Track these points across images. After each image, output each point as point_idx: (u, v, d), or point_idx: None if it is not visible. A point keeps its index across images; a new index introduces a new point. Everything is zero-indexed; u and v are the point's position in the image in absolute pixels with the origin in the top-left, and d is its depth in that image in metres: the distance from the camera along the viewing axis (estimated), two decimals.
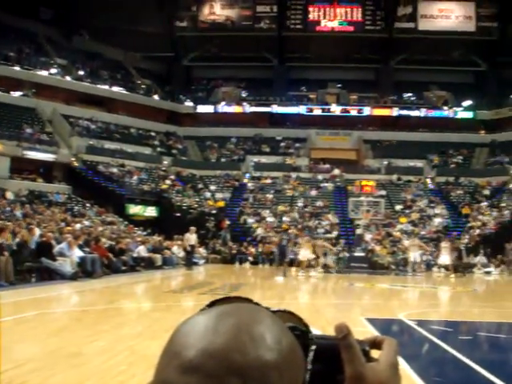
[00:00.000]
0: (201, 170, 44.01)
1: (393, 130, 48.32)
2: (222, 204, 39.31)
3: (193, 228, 26.45)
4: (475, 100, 50.43)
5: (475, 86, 52.37)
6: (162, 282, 21.61)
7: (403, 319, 10.77)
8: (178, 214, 36.56)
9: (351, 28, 52.29)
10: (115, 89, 46.89)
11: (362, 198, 37.08)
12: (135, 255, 24.54)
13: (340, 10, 52.40)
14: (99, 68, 47.91)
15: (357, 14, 52.30)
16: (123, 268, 22.09)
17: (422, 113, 50.27)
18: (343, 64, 51.20)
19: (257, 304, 0.73)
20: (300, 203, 39.65)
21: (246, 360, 0.61)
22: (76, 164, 38.23)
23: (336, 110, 50.87)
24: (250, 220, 37.28)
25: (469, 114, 49.96)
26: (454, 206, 39.36)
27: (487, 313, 13.24)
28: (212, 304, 0.73)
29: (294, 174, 43.53)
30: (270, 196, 40.64)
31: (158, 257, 26.41)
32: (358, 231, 34.81)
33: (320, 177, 43.60)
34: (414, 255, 28.09)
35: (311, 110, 50.94)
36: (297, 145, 47.81)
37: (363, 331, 8.33)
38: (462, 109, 50.32)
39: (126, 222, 33.66)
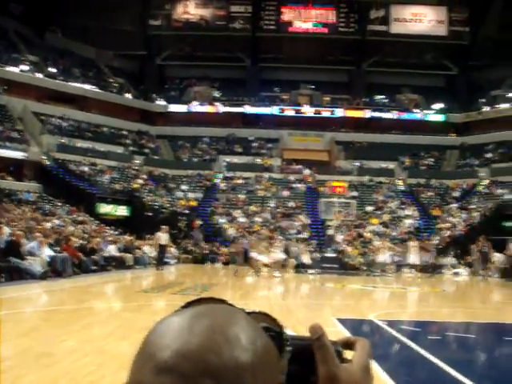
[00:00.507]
0: (173, 170, 43.87)
1: (365, 131, 48.72)
2: (193, 204, 39.23)
3: (164, 227, 26.01)
4: (446, 103, 51.08)
5: (446, 90, 53.01)
6: (133, 281, 21.47)
7: (373, 319, 10.84)
8: (150, 214, 36.38)
9: (325, 30, 52.54)
10: (87, 87, 46.47)
11: (334, 199, 37.33)
12: (106, 255, 24.31)
13: (314, 11, 52.64)
14: (71, 65, 47.41)
15: (331, 16, 52.58)
16: (94, 267, 21.88)
17: (393, 115, 50.72)
18: (316, 65, 51.49)
19: (231, 305, 0.72)
20: (272, 204, 39.72)
21: (220, 361, 0.61)
22: (47, 162, 37.78)
23: (308, 111, 51.06)
24: (222, 220, 37.24)
25: (440, 117, 50.57)
26: (425, 208, 39.80)
27: (456, 313, 13.42)
28: (186, 305, 0.72)
29: (266, 175, 43.60)
30: (242, 196, 40.65)
31: (129, 256, 26.23)
32: (330, 232, 35.03)
33: (292, 177, 43.73)
34: (384, 256, 28.39)
35: (284, 111, 51.07)
36: (269, 145, 47.91)
37: (334, 331, 8.38)
38: (433, 112, 50.92)
39: (97, 222, 33.36)
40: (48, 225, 25.08)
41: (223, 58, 51.41)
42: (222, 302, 0.73)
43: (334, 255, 32.06)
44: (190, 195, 40.59)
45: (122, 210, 36.84)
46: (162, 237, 25.46)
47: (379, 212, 38.95)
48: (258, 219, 37.33)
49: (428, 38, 51.45)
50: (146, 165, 43.47)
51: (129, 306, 12.50)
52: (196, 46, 51.25)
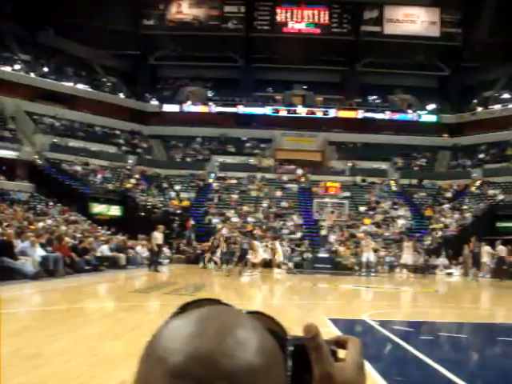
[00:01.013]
0: (166, 170, 43.80)
1: (358, 132, 48.77)
2: (186, 204, 39.19)
3: (161, 226, 25.61)
4: (439, 104, 51.22)
5: (439, 91, 53.13)
6: (126, 281, 21.42)
7: (366, 319, 10.87)
8: (143, 214, 36.34)
9: (318, 30, 52.57)
10: (80, 86, 46.38)
11: (327, 200, 37.37)
12: (98, 254, 24.27)
13: (307, 12, 52.64)
14: (64, 64, 47.26)
15: (324, 17, 52.61)
16: (86, 267, 21.83)
17: (386, 115, 50.79)
18: (309, 66, 51.51)
19: (228, 305, 0.72)
20: (265, 204, 39.73)
21: (234, 364, 0.61)
22: (39, 162, 37.66)
23: (302, 111, 51.08)
24: (215, 220, 37.21)
25: (432, 118, 50.68)
26: (417, 208, 39.90)
27: (448, 313, 13.45)
28: (184, 307, 0.72)
29: (258, 175, 43.60)
30: (234, 196, 40.65)
31: (121, 256, 26.18)
32: (323, 232, 35.07)
33: (285, 178, 43.75)
34: (367, 255, 28.29)
35: (277, 111, 51.07)
36: (262, 145, 47.91)
37: (327, 331, 8.35)
38: (425, 112, 51.01)
39: (89, 221, 33.29)
40: (40, 224, 24.99)
41: (217, 58, 51.37)
42: (218, 302, 0.74)
43: (326, 255, 32.12)
44: (183, 195, 40.57)
45: (114, 210, 36.77)
46: (159, 236, 25.14)
47: (372, 212, 39.02)
48: (250, 219, 37.33)
49: (421, 39, 51.52)
50: (139, 165, 43.36)
51: (121, 305, 12.47)
52: (189, 45, 51.13)
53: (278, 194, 41.42)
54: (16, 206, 29.57)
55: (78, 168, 38.70)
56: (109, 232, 31.71)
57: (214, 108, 50.87)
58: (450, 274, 30.26)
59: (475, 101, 49.36)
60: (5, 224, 21.19)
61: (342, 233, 35.10)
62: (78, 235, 25.82)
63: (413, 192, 42.17)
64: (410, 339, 8.84)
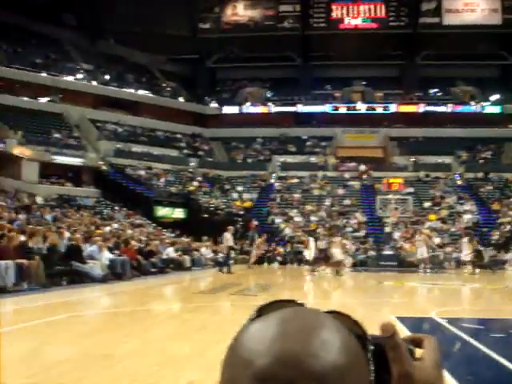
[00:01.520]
0: (227, 171, 44.09)
1: (419, 126, 47.82)
2: (249, 204, 39.34)
3: (230, 227, 25.52)
4: (502, 94, 49.78)
5: (502, 80, 51.65)
6: (191, 283, 21.69)
7: (434, 317, 10.67)
8: (206, 216, 36.66)
9: (375, 25, 52.01)
10: (141, 92, 47.25)
11: (390, 196, 36.92)
12: (164, 257, 24.67)
13: (363, 7, 52.14)
14: (124, 72, 48.26)
15: (380, 11, 52.01)
16: (152, 270, 22.24)
17: (448, 108, 49.77)
18: (368, 61, 50.96)
19: (303, 305, 0.72)
20: (327, 202, 39.51)
21: (322, 365, 0.60)
22: (104, 168, 38.53)
23: (361, 107, 50.63)
24: (278, 220, 37.23)
25: (496, 109, 49.32)
26: (484, 202, 38.86)
27: None
28: (260, 309, 0.71)
29: (320, 173, 43.37)
30: (297, 196, 40.57)
31: (186, 258, 26.52)
32: (387, 229, 34.64)
33: (347, 175, 43.39)
34: (421, 250, 27.26)
35: (337, 109, 50.78)
36: (323, 144, 47.67)
37: None
38: (489, 103, 49.70)
39: (154, 225, 33.85)
40: (107, 229, 25.55)
41: (274, 58, 51.42)
42: (293, 302, 0.73)
43: (391, 253, 31.71)
44: (245, 196, 40.74)
45: (178, 213, 37.23)
46: (230, 238, 24.99)
47: (437, 208, 38.26)
48: (313, 218, 37.18)
49: (482, 28, 50.16)
50: (201, 167, 43.80)
51: (187, 307, 12.61)
52: (246, 47, 51.36)
53: (341, 191, 41.12)
54: (83, 211, 30.34)
55: (142, 172, 39.39)
56: (173, 235, 32.18)
57: (273, 108, 50.94)
58: None
59: None
60: (73, 229, 21.74)
61: (407, 229, 34.55)
62: (144, 238, 26.32)
63: (479, 186, 41.11)
64: (480, 337, 8.62)
